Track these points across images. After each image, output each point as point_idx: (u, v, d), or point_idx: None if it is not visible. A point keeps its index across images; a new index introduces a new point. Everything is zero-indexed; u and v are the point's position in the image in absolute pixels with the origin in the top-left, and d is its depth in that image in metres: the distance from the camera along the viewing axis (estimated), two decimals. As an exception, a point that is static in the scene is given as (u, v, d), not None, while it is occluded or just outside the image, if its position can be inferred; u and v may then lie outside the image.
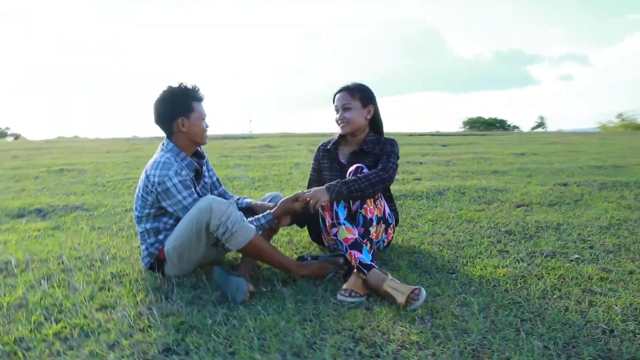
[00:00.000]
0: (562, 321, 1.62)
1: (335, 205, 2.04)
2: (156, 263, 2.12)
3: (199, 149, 2.26)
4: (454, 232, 2.78)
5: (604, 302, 1.76)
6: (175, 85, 2.07)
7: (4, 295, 1.92)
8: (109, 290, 1.98)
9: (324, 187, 2.05)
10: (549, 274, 2.07)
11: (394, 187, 4.14)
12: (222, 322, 1.68)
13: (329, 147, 2.51)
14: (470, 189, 4.01)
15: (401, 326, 1.60)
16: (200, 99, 2.12)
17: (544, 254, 2.35)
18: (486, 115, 36.79)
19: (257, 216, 2.12)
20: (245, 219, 1.97)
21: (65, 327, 1.65)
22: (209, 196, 1.94)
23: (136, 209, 2.12)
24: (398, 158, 2.33)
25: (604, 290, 1.89)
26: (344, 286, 1.91)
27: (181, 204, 1.99)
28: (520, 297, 1.83)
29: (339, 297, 1.86)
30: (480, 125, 33.92)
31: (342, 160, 2.44)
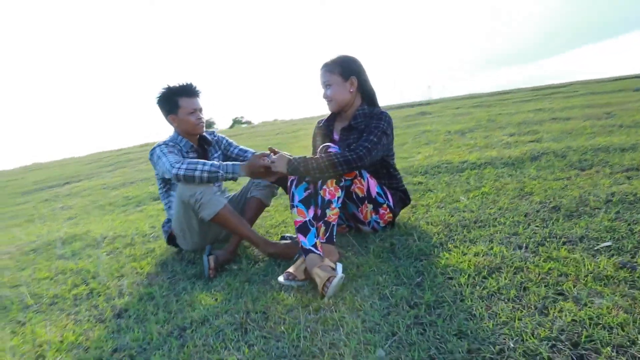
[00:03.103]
0: (463, 330, 1.32)
1: (293, 187, 2.05)
2: (172, 239, 2.54)
3: (208, 136, 2.55)
4: (485, 208, 2.34)
5: (562, 311, 1.33)
6: (164, 87, 2.39)
7: (78, 263, 2.65)
8: (136, 262, 2.50)
9: (289, 158, 2.07)
10: (536, 266, 1.63)
11: (482, 154, 3.61)
12: (174, 294, 1.98)
13: (321, 124, 2.46)
14: (578, 151, 3.17)
15: (282, 315, 1.59)
16: (188, 94, 2.38)
17: (564, 240, 1.81)
18: None
19: (229, 162, 2.22)
20: (216, 194, 2.18)
21: (85, 290, 2.22)
22: None
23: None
24: (385, 134, 2.13)
25: (583, 294, 1.40)
26: (289, 269, 1.94)
27: (164, 166, 2.21)
28: (458, 295, 1.53)
29: (279, 278, 1.91)
30: None
31: (336, 137, 2.37)
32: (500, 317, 1.35)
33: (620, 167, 2.68)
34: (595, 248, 1.70)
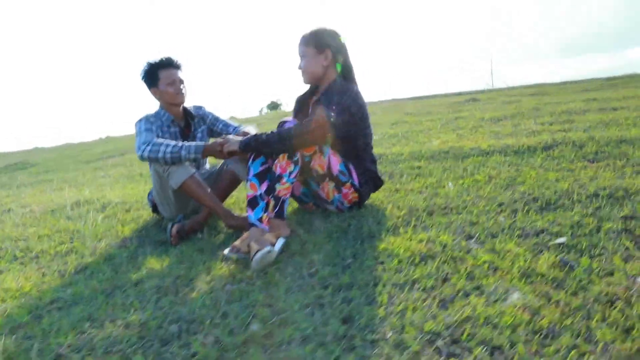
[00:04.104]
0: (352, 314, 1.25)
1: (250, 161, 2.04)
2: (156, 207, 2.63)
3: (193, 111, 2.60)
4: (464, 196, 2.17)
5: (465, 306, 1.21)
6: (145, 62, 2.46)
7: (76, 224, 2.84)
8: (121, 226, 2.63)
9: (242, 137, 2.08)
10: (472, 258, 1.49)
11: (497, 142, 3.35)
12: (132, 257, 2.07)
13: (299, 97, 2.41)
14: (600, 142, 2.82)
15: (204, 284, 1.60)
16: (166, 66, 2.44)
17: (519, 233, 1.64)
18: None
19: (193, 143, 2.24)
20: (185, 164, 2.23)
21: (66, 248, 2.38)
22: None
23: None
24: (348, 111, 2.04)
25: (500, 290, 1.26)
26: (235, 242, 1.94)
27: (136, 145, 2.31)
28: (375, 279, 1.45)
29: (224, 250, 1.92)
30: None
31: (310, 111, 2.31)
32: (398, 307, 1.26)
33: (637, 161, 2.36)
34: (548, 243, 1.52)
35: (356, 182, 2.15)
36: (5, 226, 3.12)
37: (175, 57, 2.51)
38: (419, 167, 3.02)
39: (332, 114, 2.00)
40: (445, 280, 1.38)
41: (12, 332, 1.48)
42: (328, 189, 2.13)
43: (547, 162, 2.60)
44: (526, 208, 1.88)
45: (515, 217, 1.81)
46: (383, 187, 2.58)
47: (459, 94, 12.52)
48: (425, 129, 4.95)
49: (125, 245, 2.28)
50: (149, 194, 2.68)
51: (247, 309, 1.36)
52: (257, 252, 1.67)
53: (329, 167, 2.08)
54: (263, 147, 1.95)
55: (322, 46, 2.15)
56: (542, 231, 1.63)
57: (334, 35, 2.19)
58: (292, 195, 2.35)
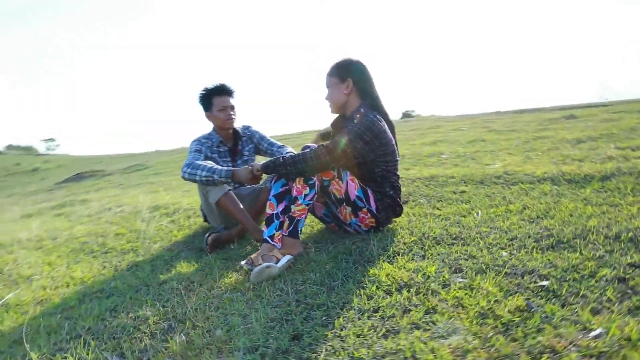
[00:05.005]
0: (297, 333, 1.36)
1: (272, 182, 2.23)
2: (206, 217, 2.97)
3: (240, 131, 2.90)
4: (483, 226, 2.11)
5: (405, 339, 1.26)
6: (203, 88, 2.80)
7: (145, 226, 3.30)
8: (178, 231, 3.01)
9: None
10: (446, 293, 1.50)
11: (557, 168, 3.12)
12: (171, 259, 2.39)
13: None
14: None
15: (207, 289, 1.82)
16: (220, 93, 2.76)
17: (508, 272, 1.58)
18: None
19: (225, 168, 2.49)
20: (223, 184, 2.51)
21: (129, 246, 2.82)
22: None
23: None
24: (361, 138, 2.12)
25: (449, 328, 1.27)
26: (252, 254, 2.15)
27: (184, 163, 2.65)
28: (344, 303, 1.54)
29: (242, 261, 2.14)
30: None
31: None
32: (346, 331, 1.34)
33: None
34: (529, 286, 1.46)
35: (373, 208, 2.21)
36: (98, 222, 3.74)
37: (229, 84, 2.82)
38: (463, 192, 2.95)
39: (341, 139, 2.10)
40: (406, 311, 1.42)
41: (61, 312, 1.86)
42: (345, 213, 2.23)
43: (595, 194, 2.39)
44: (533, 245, 1.79)
45: (517, 253, 1.74)
46: (416, 211, 2.60)
47: (560, 108, 11.49)
48: (496, 150, 4.72)
49: (172, 248, 2.62)
50: (201, 205, 3.03)
51: (226, 316, 1.55)
52: (256, 268, 1.86)
53: (347, 192, 2.18)
54: (280, 169, 2.13)
55: (344, 75, 2.28)
56: (532, 272, 1.56)
57: (355, 64, 2.30)
58: (315, 215, 2.50)
